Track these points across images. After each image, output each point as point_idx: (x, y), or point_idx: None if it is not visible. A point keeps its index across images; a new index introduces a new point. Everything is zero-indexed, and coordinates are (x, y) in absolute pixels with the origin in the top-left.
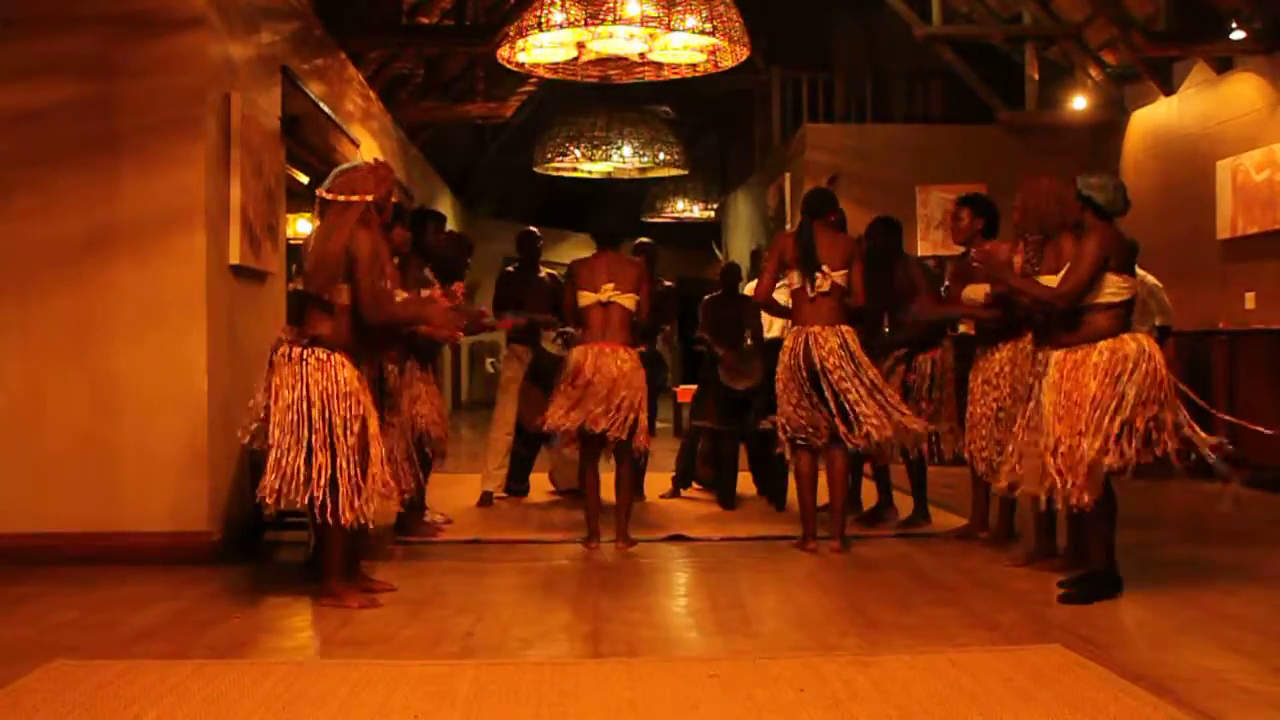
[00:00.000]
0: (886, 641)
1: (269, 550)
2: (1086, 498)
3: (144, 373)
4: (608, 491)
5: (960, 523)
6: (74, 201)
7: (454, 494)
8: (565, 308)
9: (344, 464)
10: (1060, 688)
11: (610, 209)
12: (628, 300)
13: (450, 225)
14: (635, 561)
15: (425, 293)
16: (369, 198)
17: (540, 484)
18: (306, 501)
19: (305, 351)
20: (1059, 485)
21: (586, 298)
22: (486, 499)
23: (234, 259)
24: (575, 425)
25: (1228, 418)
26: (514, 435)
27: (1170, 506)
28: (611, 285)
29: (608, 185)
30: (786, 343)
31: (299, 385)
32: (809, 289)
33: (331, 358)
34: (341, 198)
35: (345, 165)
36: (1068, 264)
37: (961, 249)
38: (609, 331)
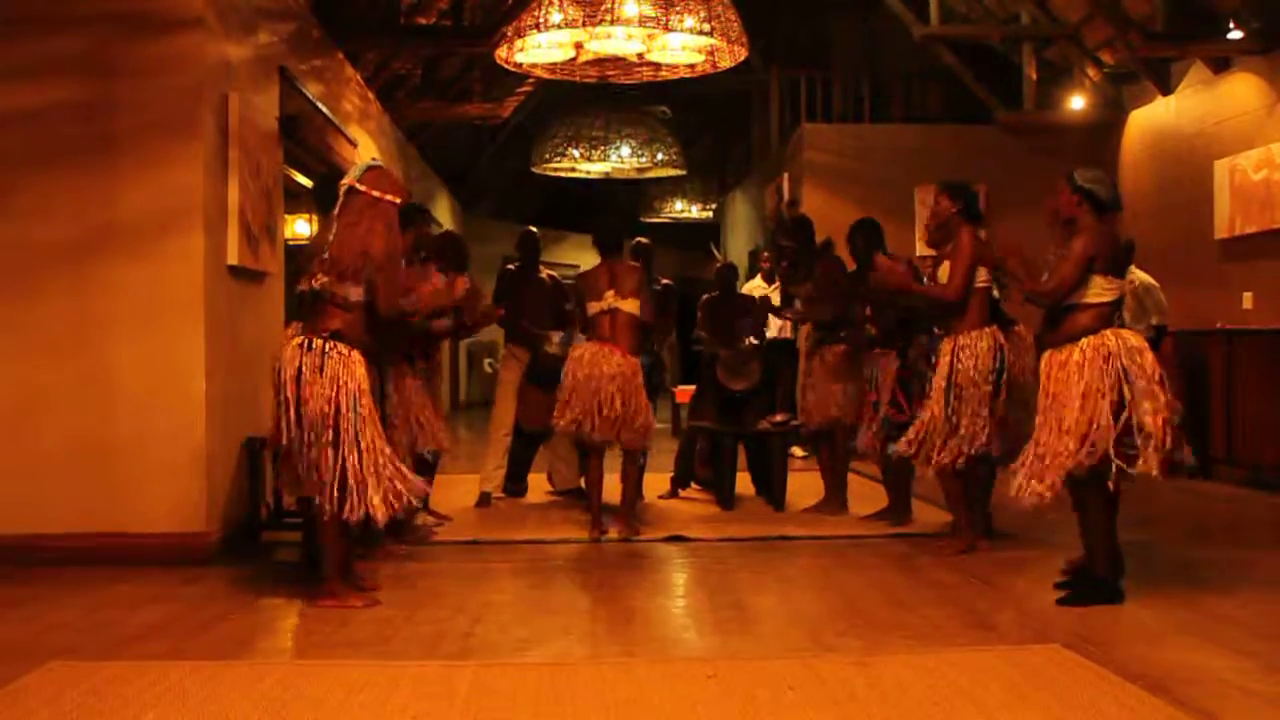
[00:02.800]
0: (885, 642)
1: (267, 550)
2: (1049, 495)
3: (142, 373)
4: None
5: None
6: (72, 202)
7: (452, 494)
8: (580, 316)
9: (357, 461)
10: (1058, 688)
11: (611, 216)
12: (631, 305)
13: (449, 225)
14: (634, 562)
15: (440, 282)
16: (397, 200)
17: (538, 484)
18: (317, 497)
19: (327, 345)
20: (1037, 487)
21: (593, 306)
22: (485, 499)
23: (232, 259)
24: (572, 421)
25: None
26: (512, 436)
27: (1167, 506)
28: (612, 293)
29: (603, 189)
30: (988, 343)
31: (320, 377)
32: (998, 290)
33: (351, 354)
34: (376, 193)
35: (372, 162)
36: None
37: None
38: (616, 336)
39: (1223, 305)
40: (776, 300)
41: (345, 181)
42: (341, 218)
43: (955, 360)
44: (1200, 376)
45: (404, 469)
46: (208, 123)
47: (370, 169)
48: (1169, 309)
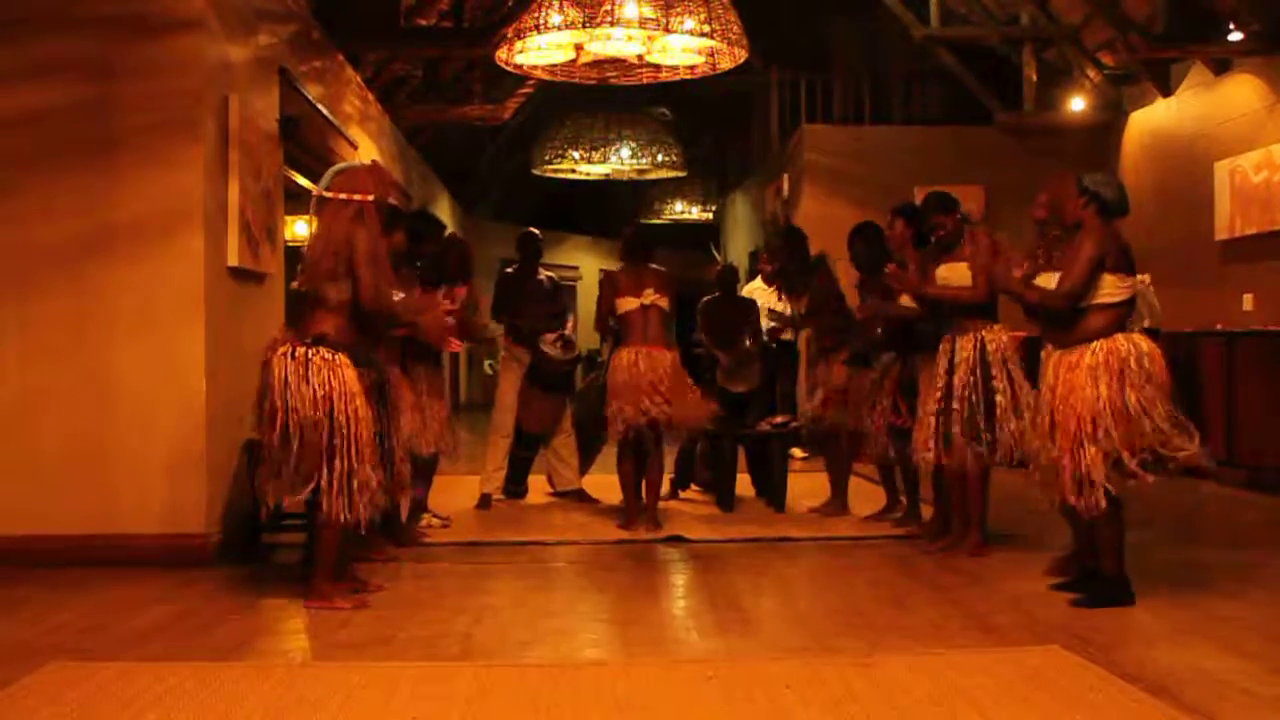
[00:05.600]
0: (885, 643)
1: (267, 552)
2: (1098, 502)
3: (142, 374)
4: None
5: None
6: (72, 203)
7: (453, 496)
8: (599, 314)
9: (345, 465)
10: (1058, 689)
11: (636, 222)
12: (664, 303)
13: (449, 227)
14: (634, 563)
15: (441, 293)
16: (369, 197)
17: (539, 486)
18: (306, 501)
19: (310, 351)
20: (1066, 491)
21: (628, 303)
22: (485, 501)
23: (232, 260)
24: (642, 417)
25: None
26: (512, 437)
27: (1166, 507)
28: (652, 290)
29: (609, 188)
30: (1005, 338)
31: (306, 385)
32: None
33: (336, 357)
34: (343, 195)
35: (342, 165)
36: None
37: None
38: (649, 333)
39: (1223, 307)
40: (773, 303)
41: (316, 191)
42: (316, 227)
43: (981, 355)
44: (1200, 378)
45: (394, 470)
46: (208, 124)
47: (338, 173)
48: (1161, 312)
